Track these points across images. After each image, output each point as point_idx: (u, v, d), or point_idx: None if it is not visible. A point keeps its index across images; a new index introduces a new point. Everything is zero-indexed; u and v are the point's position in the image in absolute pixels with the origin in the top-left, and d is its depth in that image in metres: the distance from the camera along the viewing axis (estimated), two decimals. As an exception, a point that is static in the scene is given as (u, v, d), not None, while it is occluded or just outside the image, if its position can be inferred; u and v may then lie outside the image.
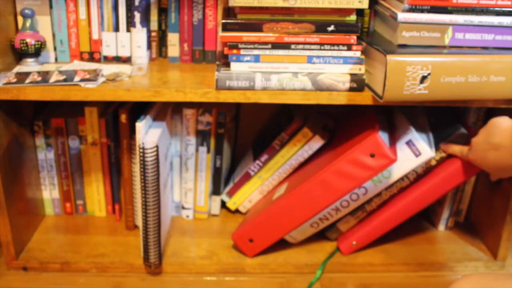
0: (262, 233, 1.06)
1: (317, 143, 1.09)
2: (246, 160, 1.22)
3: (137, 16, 1.00)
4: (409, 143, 0.99)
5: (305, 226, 1.09)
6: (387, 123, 1.08)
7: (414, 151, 0.99)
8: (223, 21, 0.91)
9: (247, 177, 1.17)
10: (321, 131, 1.09)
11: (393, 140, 1.02)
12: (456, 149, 0.98)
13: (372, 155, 0.95)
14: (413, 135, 0.99)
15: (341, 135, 1.08)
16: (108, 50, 1.04)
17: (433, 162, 1.02)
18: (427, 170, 1.03)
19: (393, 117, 1.11)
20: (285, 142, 1.11)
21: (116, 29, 1.03)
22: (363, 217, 1.09)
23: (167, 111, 1.09)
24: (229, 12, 1.01)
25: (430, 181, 1.02)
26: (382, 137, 0.95)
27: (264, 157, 1.14)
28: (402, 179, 1.03)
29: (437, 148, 1.01)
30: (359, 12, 1.00)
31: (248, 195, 1.18)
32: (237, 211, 1.21)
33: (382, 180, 1.02)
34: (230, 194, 1.20)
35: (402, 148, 1.00)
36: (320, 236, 1.13)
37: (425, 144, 0.99)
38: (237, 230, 1.09)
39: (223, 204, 1.22)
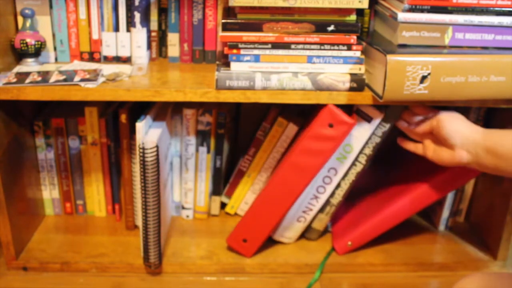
0: (253, 231, 1.06)
1: (292, 130, 1.09)
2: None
3: (137, 16, 1.00)
4: (358, 112, 1.00)
5: (293, 222, 1.09)
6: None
7: (365, 118, 0.99)
8: (223, 21, 0.91)
9: (240, 174, 1.17)
10: (295, 117, 1.09)
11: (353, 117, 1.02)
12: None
13: (331, 125, 0.94)
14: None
15: (311, 118, 1.08)
16: (108, 50, 1.04)
17: (377, 140, 1.01)
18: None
19: None
20: (268, 131, 1.11)
21: (116, 29, 1.03)
22: (332, 212, 1.09)
23: (167, 111, 1.09)
24: (229, 12, 1.01)
25: (428, 182, 1.02)
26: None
27: (252, 150, 1.15)
28: (355, 162, 1.03)
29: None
30: (359, 12, 1.00)
31: (242, 197, 1.18)
32: (236, 214, 1.21)
33: (346, 156, 1.02)
34: (228, 194, 1.20)
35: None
36: (319, 236, 1.14)
37: (372, 107, 0.98)
38: (230, 234, 1.08)
39: (223, 205, 1.22)
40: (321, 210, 1.09)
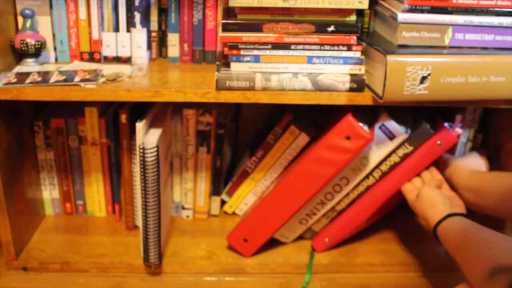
0: (255, 231, 1.06)
1: (303, 140, 1.09)
2: (244, 160, 1.22)
3: (137, 16, 1.00)
4: (382, 127, 0.99)
5: (294, 223, 1.09)
6: (370, 118, 1.07)
7: (387, 135, 0.99)
8: (223, 21, 0.91)
9: (245, 174, 1.17)
10: (308, 127, 1.09)
11: (371, 130, 1.02)
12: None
13: (348, 137, 0.94)
14: (385, 118, 0.99)
15: (326, 128, 1.08)
16: (108, 50, 1.04)
17: (397, 159, 1.01)
18: (392, 166, 1.03)
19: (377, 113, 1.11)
20: (279, 136, 1.11)
21: (116, 29, 1.03)
22: (333, 216, 1.09)
23: (167, 111, 1.09)
24: (229, 12, 1.01)
25: (390, 172, 1.02)
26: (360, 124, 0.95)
27: (260, 153, 1.14)
28: (369, 175, 1.03)
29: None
30: (359, 12, 1.00)
31: (243, 198, 1.18)
32: (234, 214, 1.21)
33: (361, 168, 1.02)
34: (230, 193, 1.20)
35: (376, 134, 1.00)
36: (313, 235, 1.13)
37: (397, 126, 0.98)
38: (231, 232, 1.08)
39: (223, 205, 1.22)
40: (324, 214, 1.09)
